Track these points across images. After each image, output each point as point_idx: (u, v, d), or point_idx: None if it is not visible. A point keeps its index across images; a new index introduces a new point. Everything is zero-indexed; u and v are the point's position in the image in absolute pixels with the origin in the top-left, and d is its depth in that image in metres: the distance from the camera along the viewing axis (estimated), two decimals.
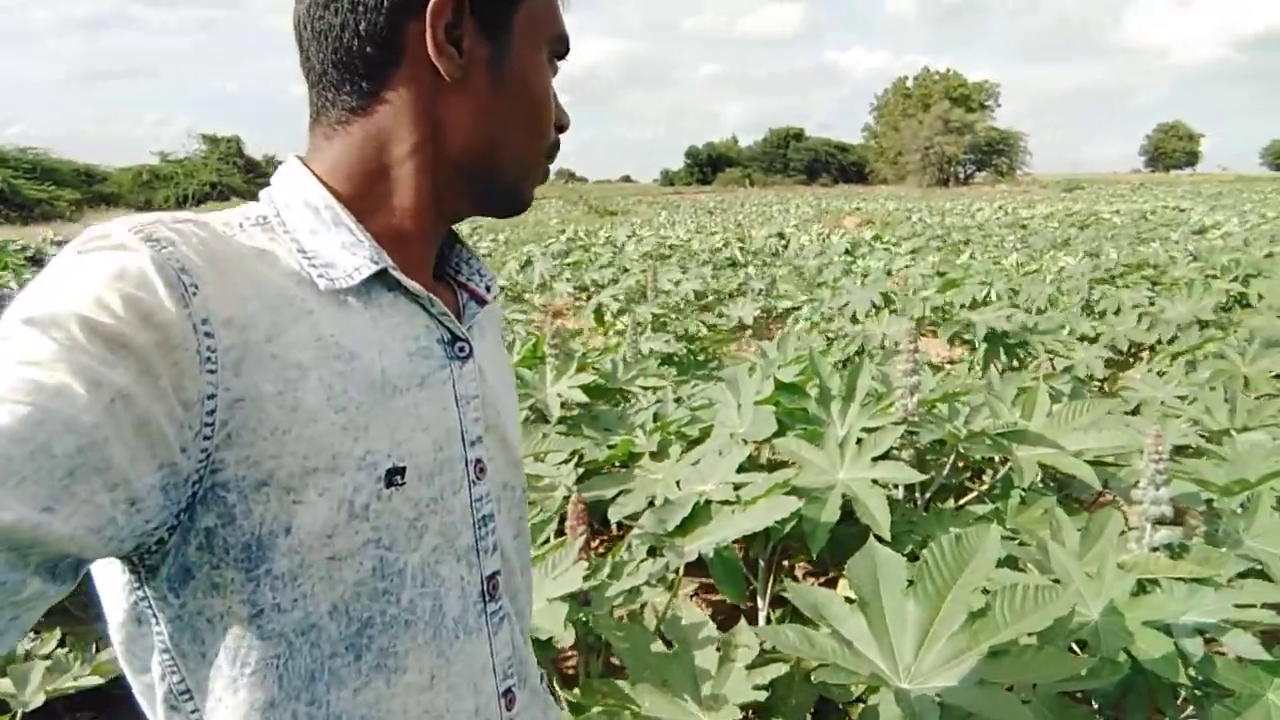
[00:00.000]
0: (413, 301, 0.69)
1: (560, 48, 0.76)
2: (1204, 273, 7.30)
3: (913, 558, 2.11)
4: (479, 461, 0.72)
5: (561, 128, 0.78)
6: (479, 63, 0.69)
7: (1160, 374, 4.76)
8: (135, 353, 0.51)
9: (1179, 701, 1.67)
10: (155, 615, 0.59)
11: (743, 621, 1.72)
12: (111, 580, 0.60)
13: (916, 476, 1.99)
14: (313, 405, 0.59)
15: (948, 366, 5.50)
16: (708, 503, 2.05)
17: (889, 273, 9.26)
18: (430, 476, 0.66)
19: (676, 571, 1.95)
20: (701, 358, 4.58)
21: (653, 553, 2.09)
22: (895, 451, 2.13)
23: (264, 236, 0.65)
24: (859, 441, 2.11)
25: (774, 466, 2.55)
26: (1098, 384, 5.06)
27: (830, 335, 5.49)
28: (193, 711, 0.61)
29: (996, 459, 2.25)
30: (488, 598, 0.73)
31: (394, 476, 0.63)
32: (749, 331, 6.93)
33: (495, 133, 0.71)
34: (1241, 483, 2.01)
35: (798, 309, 6.99)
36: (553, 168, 0.81)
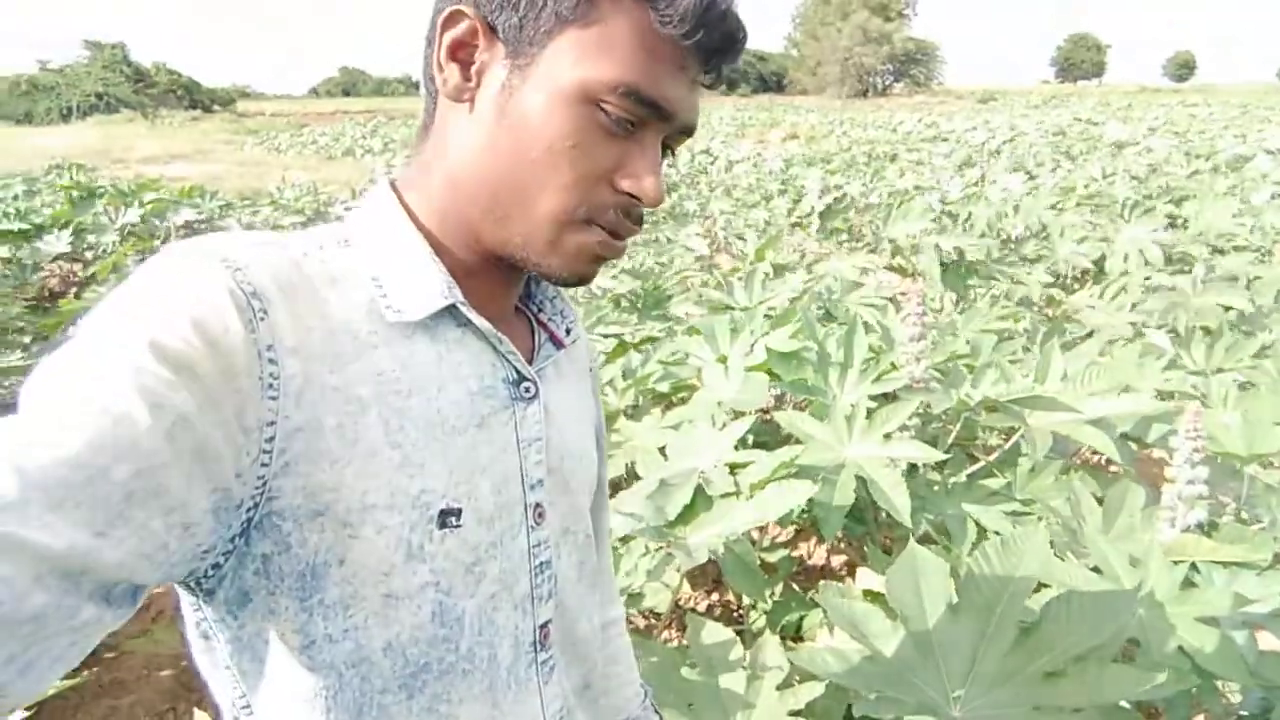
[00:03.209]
0: (480, 339, 0.67)
1: (623, 102, 0.61)
2: (1141, 194, 7.33)
3: (928, 539, 1.98)
4: (538, 506, 0.70)
5: (639, 198, 0.65)
6: (489, 89, 0.63)
7: (1108, 299, 4.74)
8: (200, 378, 0.50)
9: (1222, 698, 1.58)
10: (217, 635, 0.60)
11: (768, 636, 1.55)
12: (182, 599, 0.61)
13: (935, 455, 1.83)
14: (372, 440, 0.58)
15: (901, 297, 5.39)
16: (705, 487, 1.85)
17: (823, 194, 9.07)
18: (490, 520, 0.65)
19: (678, 569, 1.77)
20: (655, 295, 4.33)
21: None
22: (906, 422, 1.95)
23: (342, 261, 0.63)
24: (868, 414, 1.94)
25: (762, 437, 2.38)
26: (1040, 308, 5.04)
27: (781, 266, 5.31)
28: None
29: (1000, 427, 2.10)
30: (539, 647, 0.71)
31: (447, 518, 0.61)
32: (697, 263, 6.71)
33: (499, 172, 0.63)
34: (1261, 455, 1.91)
35: (741, 238, 6.78)
36: None
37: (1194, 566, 1.67)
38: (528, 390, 0.69)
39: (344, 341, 0.59)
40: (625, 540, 1.86)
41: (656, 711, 1.01)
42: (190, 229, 7.35)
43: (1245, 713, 1.59)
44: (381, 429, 0.58)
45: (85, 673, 2.47)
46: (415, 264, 0.64)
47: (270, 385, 0.53)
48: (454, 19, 0.63)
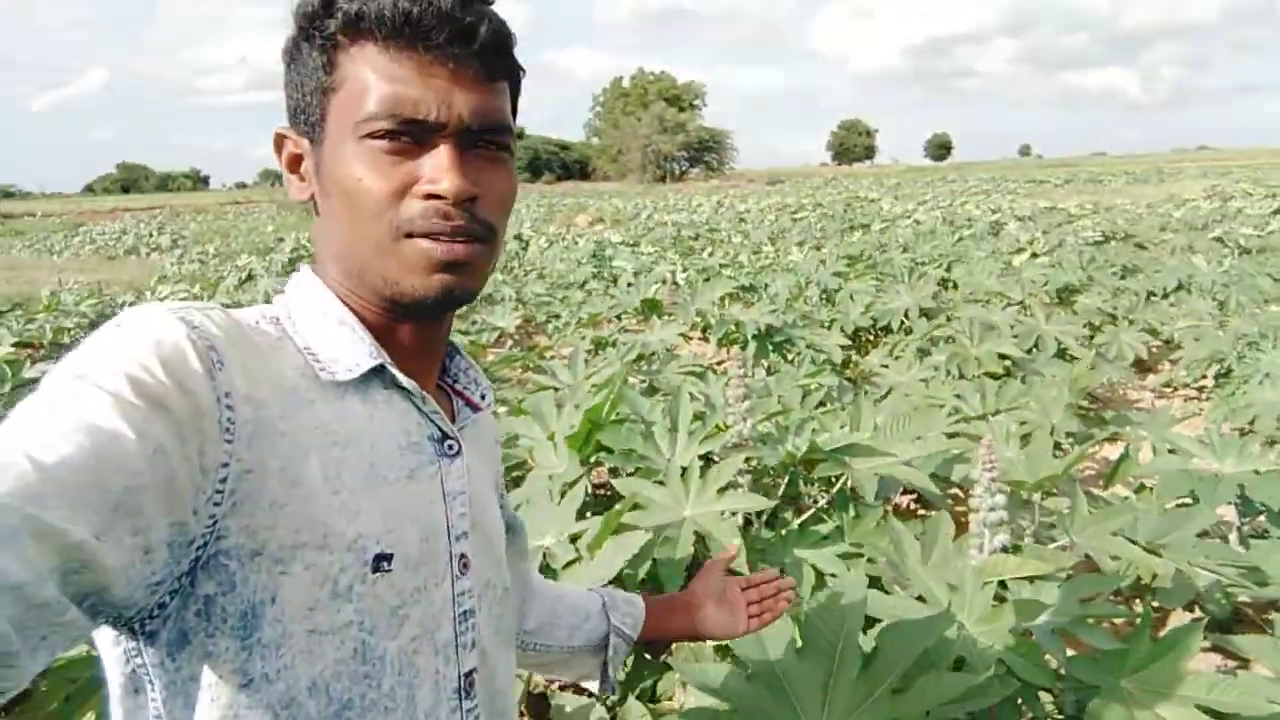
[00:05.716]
0: (406, 399, 0.72)
1: (381, 125, 0.66)
2: (915, 261, 8.06)
3: None
4: (463, 556, 0.74)
5: (438, 194, 0.67)
6: (313, 178, 0.72)
7: (897, 358, 5.16)
8: (172, 414, 0.54)
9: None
10: (152, 682, 0.60)
11: (631, 701, 1.55)
12: (110, 651, 0.61)
13: (765, 504, 1.92)
14: (312, 484, 0.61)
15: (718, 367, 5.63)
16: (550, 562, 1.85)
17: (636, 274, 9.39)
18: (416, 566, 0.68)
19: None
20: None
21: None
22: (736, 478, 2.04)
23: (275, 333, 0.69)
24: (701, 474, 2.01)
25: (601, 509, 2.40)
26: (838, 368, 5.40)
27: (601, 339, 5.43)
28: None
29: (830, 476, 2.23)
30: (464, 695, 0.73)
31: (380, 562, 0.64)
32: (510, 342, 6.72)
33: (343, 235, 0.70)
34: (1048, 480, 2.13)
35: (558, 316, 6.88)
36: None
37: (1004, 584, 1.83)
38: (451, 447, 0.74)
39: (288, 395, 0.64)
40: None
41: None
42: None
43: (1063, 715, 1.73)
44: (320, 474, 0.62)
45: None
46: (343, 332, 0.70)
47: (227, 429, 0.57)
48: (278, 143, 0.74)
